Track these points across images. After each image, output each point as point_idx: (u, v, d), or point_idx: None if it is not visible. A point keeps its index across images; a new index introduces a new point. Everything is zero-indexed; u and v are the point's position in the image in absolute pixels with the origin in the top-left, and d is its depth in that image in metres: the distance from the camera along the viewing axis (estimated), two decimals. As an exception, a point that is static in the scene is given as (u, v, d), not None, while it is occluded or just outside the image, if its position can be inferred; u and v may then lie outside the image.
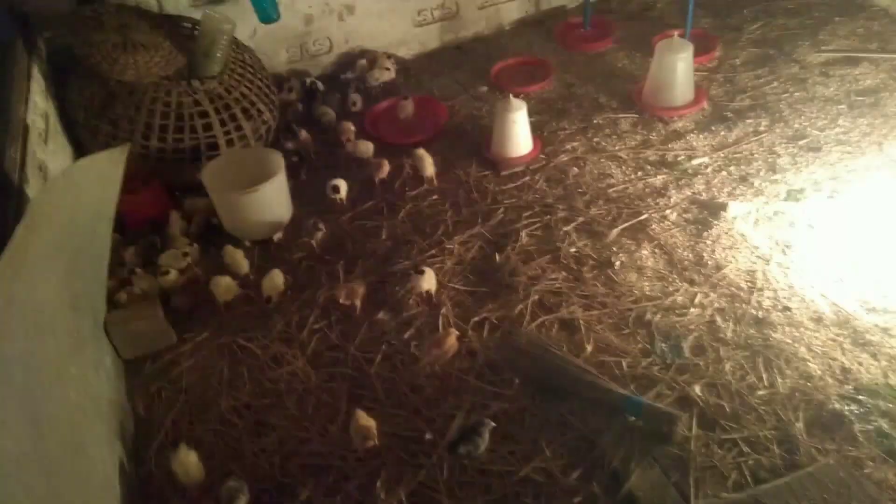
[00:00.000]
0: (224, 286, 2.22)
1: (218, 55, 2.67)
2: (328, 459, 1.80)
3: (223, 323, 2.22)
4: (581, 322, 2.10)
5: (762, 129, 2.78)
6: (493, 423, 1.76)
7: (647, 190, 2.57)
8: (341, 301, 2.17)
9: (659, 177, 2.63)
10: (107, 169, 1.90)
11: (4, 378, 1.30)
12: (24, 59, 2.46)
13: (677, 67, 2.83)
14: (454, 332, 2.01)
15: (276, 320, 2.20)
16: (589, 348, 2.01)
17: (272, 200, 2.46)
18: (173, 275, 2.28)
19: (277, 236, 2.52)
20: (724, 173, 2.59)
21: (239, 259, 2.35)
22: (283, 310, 2.23)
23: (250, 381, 2.04)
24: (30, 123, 2.16)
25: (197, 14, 2.92)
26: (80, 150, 2.62)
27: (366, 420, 1.77)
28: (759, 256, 2.23)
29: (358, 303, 2.18)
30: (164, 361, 2.12)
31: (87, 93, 2.57)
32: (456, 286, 2.26)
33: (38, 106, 2.36)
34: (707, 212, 2.43)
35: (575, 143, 2.85)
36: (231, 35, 2.72)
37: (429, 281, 2.17)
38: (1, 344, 1.30)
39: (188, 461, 1.71)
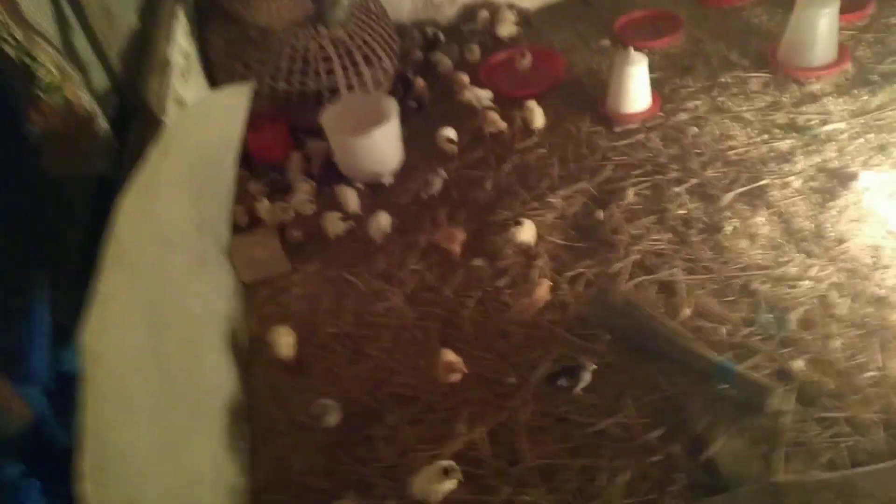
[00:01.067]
0: (333, 221, 2.35)
1: (344, 2, 2.77)
2: (415, 391, 1.90)
3: (332, 257, 2.35)
4: (682, 285, 2.03)
5: (911, 94, 2.52)
6: (594, 366, 1.78)
7: (771, 154, 2.42)
8: (441, 245, 2.24)
9: (786, 141, 2.45)
10: (233, 102, 2.06)
11: (134, 283, 1.47)
12: (170, 1, 2.68)
13: (819, 23, 2.60)
14: (546, 283, 2.03)
15: (379, 258, 2.31)
16: (687, 311, 1.95)
17: (384, 145, 2.55)
18: (291, 211, 2.43)
19: (388, 180, 2.62)
20: (860, 140, 2.37)
21: (351, 198, 2.47)
22: (387, 249, 2.33)
23: (352, 312, 2.16)
24: (172, 61, 2.36)
25: (327, -39, 3.02)
26: (214, 85, 2.83)
27: (452, 356, 1.85)
28: (889, 232, 2.05)
29: (457, 248, 2.24)
30: (277, 287, 2.29)
31: (224, 35, 2.76)
32: (555, 240, 2.25)
33: (180, 44, 2.56)
34: (836, 181, 2.25)
35: (697, 102, 2.71)
36: (357, -17, 2.80)
37: (527, 232, 2.19)
38: (133, 253, 1.47)
39: (283, 340, 1.97)
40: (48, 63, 1.63)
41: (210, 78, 2.82)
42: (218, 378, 1.82)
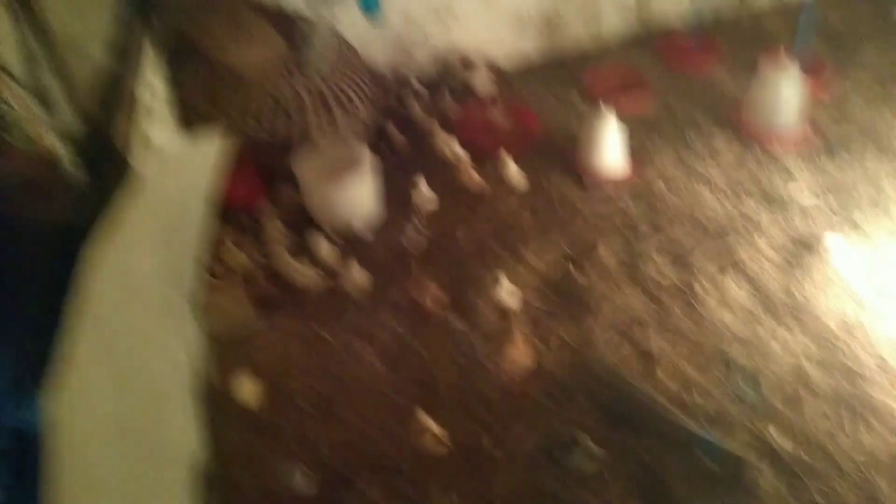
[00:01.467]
0: (302, 272, 2.28)
1: (320, 49, 2.74)
2: (388, 456, 1.82)
3: (303, 309, 2.27)
4: (656, 349, 2.04)
5: (869, 162, 2.62)
6: (592, 445, 1.75)
7: (739, 217, 2.47)
8: (414, 297, 2.19)
9: (753, 204, 2.52)
10: (207, 150, 1.99)
11: (98, 340, 1.37)
12: (140, 38, 2.60)
13: (781, 90, 2.70)
14: (521, 339, 2.00)
15: (352, 312, 2.24)
16: (662, 376, 1.95)
17: (357, 193, 2.51)
18: (260, 259, 2.35)
19: (361, 230, 2.56)
20: (824, 206, 2.46)
21: (323, 247, 2.41)
22: (361, 303, 2.27)
23: (323, 370, 2.08)
24: (139, 99, 2.28)
25: (306, 9, 3.01)
26: (185, 128, 2.74)
27: (431, 423, 1.78)
28: (855, 299, 2.11)
29: (429, 301, 2.19)
30: (244, 340, 2.19)
31: (194, 74, 2.69)
32: (531, 301, 2.23)
33: (149, 82, 2.48)
34: (802, 245, 2.31)
35: (666, 162, 2.77)
36: (334, 31, 2.79)
37: (506, 290, 2.16)
38: (99, 308, 1.37)
39: (246, 388, 1.94)
40: (10, 100, 1.55)
41: (179, 117, 2.74)
42: (182, 441, 1.71)
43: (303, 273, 2.28)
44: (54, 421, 1.07)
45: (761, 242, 2.34)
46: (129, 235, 1.63)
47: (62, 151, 1.66)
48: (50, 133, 1.66)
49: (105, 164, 1.87)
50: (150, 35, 2.68)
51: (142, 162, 2.02)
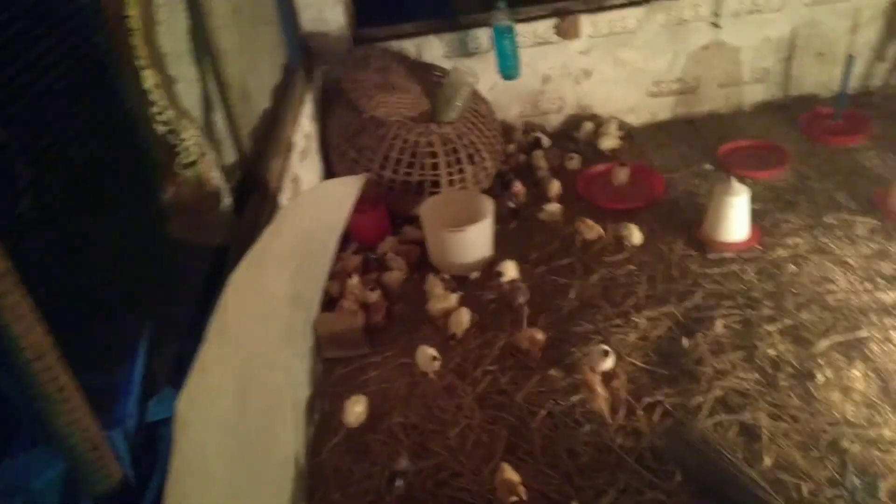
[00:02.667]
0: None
1: (457, 104, 2.94)
2: (474, 497, 1.88)
3: (411, 344, 2.40)
4: (765, 431, 1.95)
5: None
6: None
7: (873, 305, 2.32)
8: (521, 346, 2.26)
9: (891, 293, 2.35)
10: (345, 192, 2.20)
11: (230, 351, 1.57)
12: (301, 86, 2.93)
13: (937, 178, 2.53)
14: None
15: (456, 353, 2.34)
16: (768, 461, 1.87)
17: (476, 242, 2.63)
18: (376, 294, 2.52)
19: (474, 275, 2.68)
20: (972, 304, 2.26)
21: (437, 289, 2.54)
22: (465, 345, 2.37)
23: (422, 404, 2.19)
24: (294, 141, 2.57)
25: (447, 64, 3.24)
26: (329, 168, 3.03)
27: (511, 474, 1.83)
28: None
29: (537, 351, 2.25)
30: (354, 367, 2.36)
31: (343, 121, 2.97)
32: (635, 361, 2.23)
33: (304, 127, 2.78)
34: (943, 344, 2.13)
35: (798, 240, 2.66)
36: (472, 87, 2.98)
37: (609, 363, 2.15)
38: (235, 324, 1.57)
39: (354, 408, 2.08)
40: (190, 142, 1.82)
41: (325, 158, 3.03)
42: (287, 453, 1.87)
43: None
44: (183, 419, 1.24)
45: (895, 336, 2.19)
46: (271, 263, 1.85)
47: (223, 186, 1.92)
48: (217, 171, 1.93)
49: (257, 198, 2.13)
50: (310, 86, 3.01)
51: (289, 199, 2.28)
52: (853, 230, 2.67)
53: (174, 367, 1.69)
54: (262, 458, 1.66)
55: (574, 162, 3.26)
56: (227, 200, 1.90)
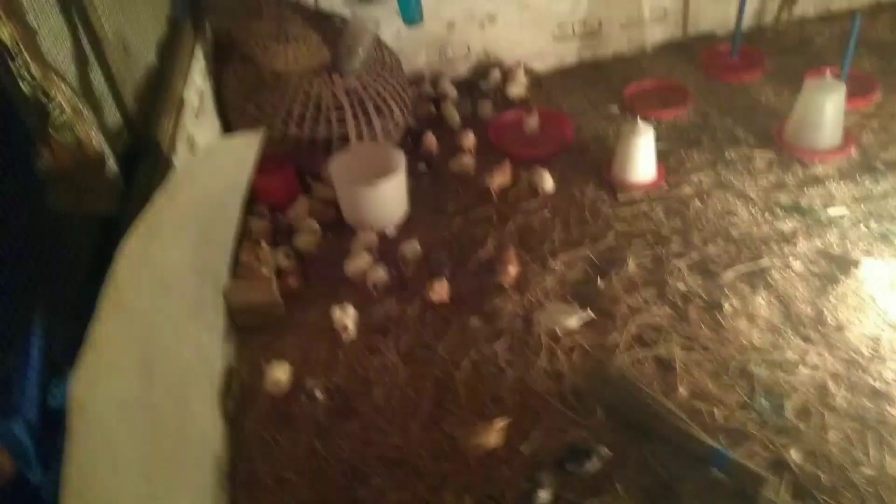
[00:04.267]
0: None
1: (360, 53, 2.81)
2: (404, 454, 1.86)
3: (328, 306, 2.33)
4: (678, 362, 2.02)
5: (915, 184, 2.55)
6: (609, 453, 1.76)
7: (773, 235, 2.43)
8: (434, 299, 2.24)
9: (789, 222, 2.47)
10: (244, 149, 2.07)
11: (129, 329, 1.45)
12: (190, 39, 2.72)
13: (826, 107, 2.65)
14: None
15: (375, 310, 2.29)
16: (682, 391, 1.94)
17: (390, 197, 2.56)
18: (290, 259, 2.42)
19: (390, 231, 2.62)
20: (862, 228, 2.40)
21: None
22: (383, 302, 2.32)
23: (345, 365, 2.13)
24: (185, 99, 2.38)
25: (347, 12, 3.09)
26: (227, 128, 2.85)
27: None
28: (888, 323, 2.05)
29: (445, 297, 2.26)
30: (272, 334, 2.26)
31: (239, 76, 2.80)
32: (554, 306, 2.25)
33: (196, 83, 2.59)
34: (836, 266, 2.26)
35: (702, 176, 2.74)
36: (375, 35, 2.85)
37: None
38: (131, 297, 1.45)
39: (276, 374, 2.03)
40: (62, 101, 1.64)
41: (222, 117, 2.85)
42: (204, 428, 1.78)
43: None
44: (78, 402, 1.14)
45: (795, 263, 2.30)
46: (167, 230, 1.72)
47: (107, 150, 1.75)
48: (97, 132, 1.76)
49: (147, 162, 1.97)
50: (200, 39, 2.80)
51: (184, 161, 2.12)
52: (752, 164, 2.78)
53: (75, 348, 1.56)
54: (176, 435, 1.57)
55: (485, 111, 3.21)
56: (112, 165, 1.74)
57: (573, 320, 2.12)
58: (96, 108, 1.87)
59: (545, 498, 1.69)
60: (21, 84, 1.55)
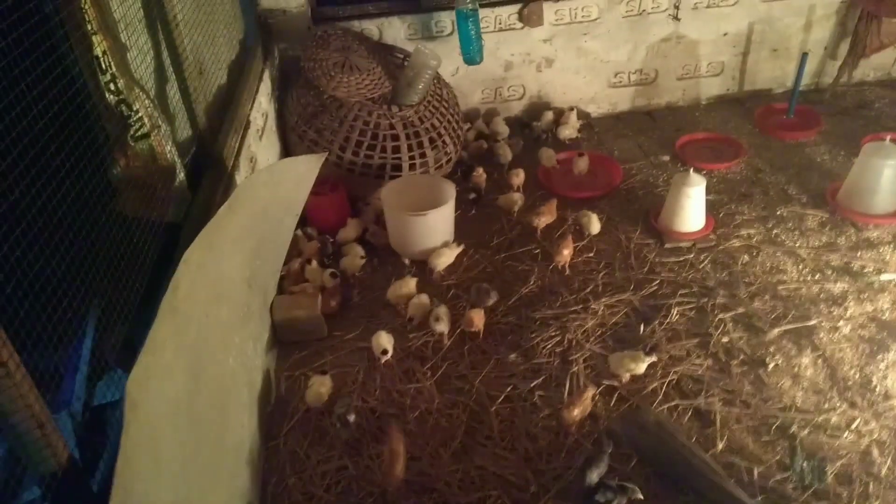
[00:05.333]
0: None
1: (419, 87, 2.90)
2: (433, 481, 1.87)
3: (371, 328, 2.37)
4: (718, 416, 1.99)
5: (972, 256, 2.49)
6: (640, 496, 1.73)
7: (822, 295, 2.39)
8: (465, 328, 2.26)
9: (839, 284, 2.43)
10: (303, 172, 2.14)
11: (183, 331, 1.51)
12: (259, 63, 2.85)
13: (883, 172, 2.62)
14: (591, 391, 2.00)
15: (416, 337, 2.32)
16: (720, 445, 1.91)
17: (437, 226, 2.61)
18: (335, 280, 2.48)
19: (435, 262, 2.65)
20: (916, 296, 2.35)
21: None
22: (425, 328, 2.34)
23: (381, 388, 2.16)
24: (251, 120, 2.49)
25: (410, 46, 3.19)
26: (287, 149, 2.96)
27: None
28: (939, 395, 1.99)
29: (480, 328, 2.26)
30: (312, 351, 2.31)
31: (302, 101, 2.90)
32: (593, 347, 2.24)
33: (262, 105, 2.70)
34: (887, 333, 2.21)
35: (751, 231, 2.72)
36: (435, 71, 2.94)
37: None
38: (188, 304, 1.51)
39: (319, 388, 2.06)
40: (144, 115, 1.74)
41: (283, 139, 2.95)
42: (241, 436, 1.82)
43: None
44: (133, 400, 1.19)
45: (844, 326, 2.26)
46: (225, 243, 1.79)
47: (178, 162, 1.85)
48: (171, 145, 1.85)
49: (212, 175, 2.06)
50: (268, 64, 2.93)
51: (245, 177, 2.21)
52: (804, 223, 2.75)
53: (124, 349, 1.62)
54: (215, 441, 1.61)
55: (548, 157, 3.18)
56: (180, 176, 1.83)
57: (641, 366, 2.08)
58: (171, 121, 1.98)
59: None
60: (108, 96, 1.65)
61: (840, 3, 3.54)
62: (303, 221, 2.65)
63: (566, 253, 2.53)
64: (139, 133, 1.69)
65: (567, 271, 2.57)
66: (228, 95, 2.50)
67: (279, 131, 2.94)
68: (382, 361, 2.20)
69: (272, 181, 2.06)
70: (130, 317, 1.61)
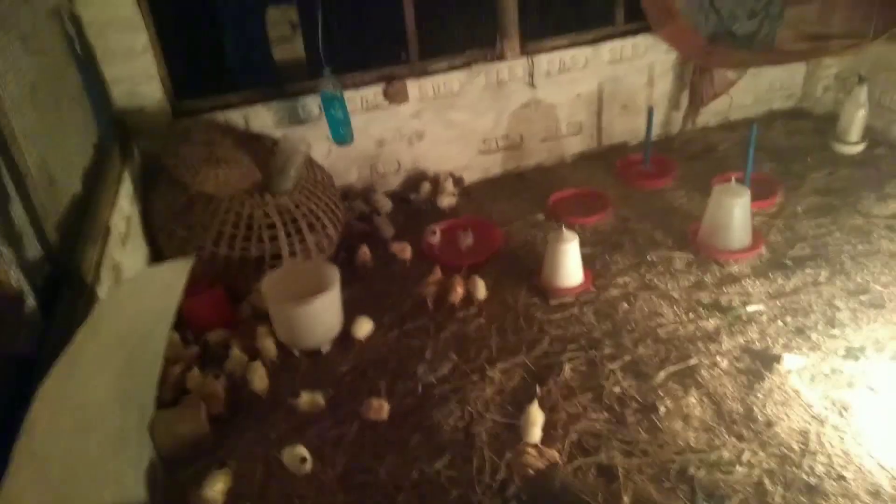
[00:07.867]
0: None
1: (292, 173, 2.87)
2: (344, 591, 1.76)
3: (261, 431, 2.25)
4: (620, 469, 2.02)
5: (822, 280, 2.72)
6: None
7: (698, 333, 2.53)
8: (372, 417, 2.20)
9: (712, 320, 2.58)
10: (172, 277, 2.03)
11: (44, 476, 1.35)
12: (117, 165, 2.71)
13: (734, 211, 2.84)
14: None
15: (312, 433, 2.22)
16: (626, 500, 1.93)
17: (324, 313, 2.54)
18: (220, 384, 2.34)
19: (325, 349, 2.58)
20: (779, 323, 2.52)
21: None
22: (321, 423, 2.25)
23: (279, 495, 2.03)
24: (112, 226, 2.35)
25: (279, 133, 3.17)
26: (156, 251, 2.81)
27: None
28: (813, 416, 2.12)
29: (383, 416, 2.21)
30: (202, 465, 2.15)
31: (168, 199, 2.79)
32: (495, 417, 2.23)
33: (123, 209, 2.56)
34: (760, 362, 2.35)
35: (627, 279, 2.85)
36: (305, 155, 2.93)
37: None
38: (44, 443, 1.36)
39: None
40: (-21, 239, 1.59)
41: (151, 241, 2.81)
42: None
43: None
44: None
45: (722, 361, 2.38)
46: (88, 365, 1.64)
47: (25, 287, 1.69)
48: (16, 269, 1.70)
49: (70, 293, 1.91)
50: (128, 164, 2.80)
51: (108, 291, 2.06)
52: (672, 265, 2.92)
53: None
54: None
55: (436, 237, 3.21)
56: (30, 301, 1.68)
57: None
58: (16, 242, 1.82)
59: None
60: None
61: (674, 60, 3.89)
62: (180, 326, 2.51)
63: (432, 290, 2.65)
64: (-25, 262, 1.54)
65: (431, 306, 2.65)
66: (84, 203, 2.35)
67: (146, 233, 2.79)
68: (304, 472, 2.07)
69: (137, 291, 1.94)
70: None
